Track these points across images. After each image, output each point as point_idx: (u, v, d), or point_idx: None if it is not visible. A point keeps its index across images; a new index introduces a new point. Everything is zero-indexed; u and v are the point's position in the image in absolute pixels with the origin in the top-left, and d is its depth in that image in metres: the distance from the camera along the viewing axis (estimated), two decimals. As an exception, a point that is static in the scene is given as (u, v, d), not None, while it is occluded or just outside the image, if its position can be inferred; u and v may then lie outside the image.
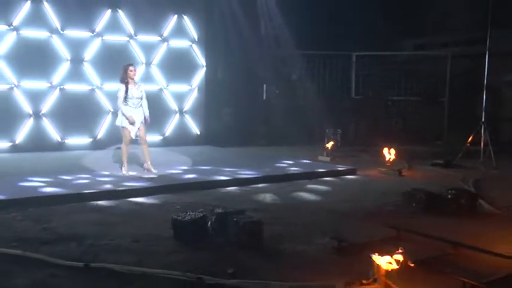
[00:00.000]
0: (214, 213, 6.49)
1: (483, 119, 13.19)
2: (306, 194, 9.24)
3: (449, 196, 8.10)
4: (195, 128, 15.31)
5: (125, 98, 9.82)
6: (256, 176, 10.38)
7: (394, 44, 17.60)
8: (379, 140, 12.91)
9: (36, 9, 12.95)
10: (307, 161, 12.32)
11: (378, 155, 12.18)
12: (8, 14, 12.66)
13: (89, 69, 13.67)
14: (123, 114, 9.85)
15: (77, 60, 13.51)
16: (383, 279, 4.87)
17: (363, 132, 15.84)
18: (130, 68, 10.00)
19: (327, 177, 10.83)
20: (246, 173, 10.54)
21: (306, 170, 11.20)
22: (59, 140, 13.39)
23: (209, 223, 6.39)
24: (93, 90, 13.74)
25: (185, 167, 11.11)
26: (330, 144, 12.83)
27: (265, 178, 10.27)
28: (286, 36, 15.39)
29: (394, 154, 11.83)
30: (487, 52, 13.24)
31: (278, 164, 11.86)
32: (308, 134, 15.19)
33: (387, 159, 11.73)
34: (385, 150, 11.88)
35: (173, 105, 14.95)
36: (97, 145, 13.68)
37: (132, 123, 9.82)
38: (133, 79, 9.95)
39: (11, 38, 12.73)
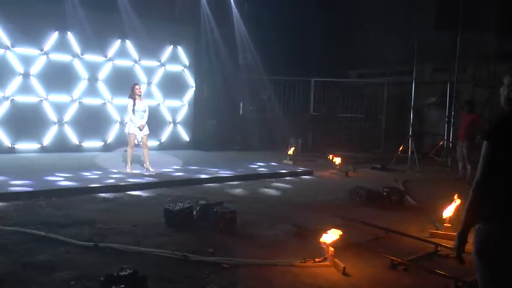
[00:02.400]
0: (198, 204, 6.51)
1: (410, 133, 13.41)
2: (272, 190, 9.26)
3: (384, 193, 8.22)
4: (185, 136, 15.24)
5: (133, 111, 9.80)
6: (232, 174, 10.36)
7: (342, 72, 17.78)
8: (331, 148, 12.99)
9: (62, 38, 12.81)
10: (274, 164, 12.33)
11: (330, 159, 12.23)
12: (40, 41, 12.52)
13: (102, 87, 13.55)
14: (132, 122, 9.80)
15: (92, 79, 13.39)
16: (331, 257, 4.95)
17: (319, 142, 15.92)
18: (136, 86, 9.98)
19: (288, 177, 10.85)
20: (224, 172, 10.53)
21: (272, 171, 11.22)
22: (77, 143, 13.24)
23: (194, 212, 6.40)
24: (105, 103, 13.63)
25: (176, 167, 11.05)
26: (292, 151, 12.87)
27: (239, 177, 10.25)
28: (258, 64, 15.39)
29: (342, 159, 11.93)
30: (413, 81, 13.48)
31: (250, 166, 11.86)
32: (275, 142, 15.22)
33: (337, 163, 11.83)
34: (334, 156, 11.98)
35: (168, 117, 14.88)
36: (107, 148, 13.54)
37: (141, 128, 9.80)
38: (139, 95, 9.91)
39: (42, 61, 12.61)
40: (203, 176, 9.94)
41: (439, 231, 6.24)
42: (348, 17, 17.60)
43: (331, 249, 4.97)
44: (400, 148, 13.25)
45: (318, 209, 7.62)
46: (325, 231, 5.16)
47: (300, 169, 11.56)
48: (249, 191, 9.02)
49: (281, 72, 15.84)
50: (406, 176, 11.43)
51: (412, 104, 13.65)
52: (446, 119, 13.58)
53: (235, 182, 9.82)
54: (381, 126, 16.22)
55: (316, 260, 4.97)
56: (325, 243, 5.00)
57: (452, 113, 13.41)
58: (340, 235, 5.08)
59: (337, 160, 11.84)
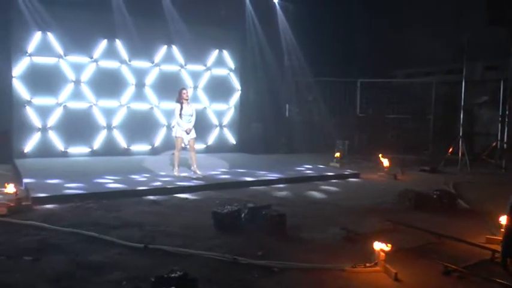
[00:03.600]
0: (246, 207, 6.47)
1: (460, 133, 13.00)
2: (319, 193, 9.16)
3: (434, 196, 7.96)
4: (231, 139, 15.32)
5: (180, 115, 9.89)
6: (279, 177, 10.30)
7: (389, 73, 17.43)
8: (378, 150, 12.75)
9: (110, 45, 13.13)
10: (321, 166, 12.21)
11: (377, 162, 12.01)
12: (90, 49, 12.87)
13: (149, 92, 13.79)
14: (179, 126, 9.90)
15: (140, 85, 13.64)
16: (382, 263, 4.84)
17: (365, 144, 15.66)
18: (184, 91, 10.08)
19: (336, 179, 10.72)
20: (271, 175, 10.49)
21: (319, 173, 11.10)
22: (125, 146, 13.50)
23: (242, 215, 6.37)
24: (152, 108, 13.84)
25: (223, 170, 11.07)
26: (338, 153, 12.70)
27: (286, 179, 10.20)
28: (303, 66, 15.29)
29: (390, 161, 11.70)
30: (463, 80, 13.07)
31: (297, 168, 11.75)
32: (321, 144, 15.07)
33: (384, 165, 11.62)
34: (382, 158, 11.76)
35: (214, 120, 14.98)
36: (154, 151, 13.75)
37: (188, 131, 9.88)
38: (186, 100, 10.01)
39: (91, 68, 12.95)
40: (250, 179, 9.93)
41: (496, 237, 5.95)
42: (394, 15, 17.25)
43: (382, 254, 4.85)
44: (450, 149, 12.87)
45: (366, 213, 7.48)
46: (375, 235, 5.04)
47: (347, 172, 11.41)
48: (296, 193, 8.94)
49: (327, 74, 15.68)
50: (457, 179, 11.06)
51: (462, 103, 13.23)
52: (500, 119, 13.09)
53: (282, 185, 9.78)
54: (429, 127, 15.79)
55: (367, 265, 4.86)
56: (376, 248, 4.89)
57: (507, 112, 12.90)
58: (391, 240, 4.94)
59: (385, 162, 11.61)
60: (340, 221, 6.76)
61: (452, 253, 5.46)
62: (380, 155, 11.95)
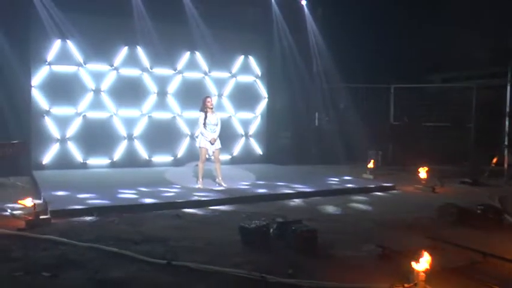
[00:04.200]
0: (275, 222, 6.46)
1: (506, 142, 12.69)
2: (352, 207, 9.08)
3: (478, 211, 7.77)
4: (258, 149, 15.32)
5: (204, 124, 9.95)
6: (309, 190, 10.26)
7: (424, 78, 17.20)
8: (414, 160, 12.55)
9: (131, 52, 13.29)
10: (353, 178, 12.10)
11: (413, 173, 11.85)
12: (110, 57, 13.04)
13: (171, 101, 13.89)
14: (203, 136, 9.94)
15: (162, 93, 13.73)
16: (422, 284, 4.71)
17: (400, 154, 15.42)
18: (208, 99, 10.13)
19: (369, 192, 10.63)
20: (300, 188, 10.45)
21: (353, 186, 11.03)
22: (147, 158, 13.59)
23: (271, 230, 6.34)
24: (174, 117, 13.94)
25: (250, 182, 11.07)
26: (372, 164, 12.58)
27: (316, 192, 10.14)
28: (334, 72, 15.19)
29: (428, 173, 11.50)
30: (508, 84, 12.78)
31: (327, 180, 11.69)
32: (353, 154, 14.92)
33: (421, 177, 11.44)
34: (420, 169, 11.57)
35: (240, 129, 15.02)
36: (177, 162, 13.78)
37: (213, 142, 9.92)
38: (211, 108, 10.06)
39: (112, 76, 13.12)
40: (279, 192, 9.92)
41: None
42: (429, 16, 17.08)
43: (422, 274, 4.72)
44: (494, 160, 12.58)
45: (403, 228, 7.37)
46: (413, 253, 4.92)
47: (382, 184, 11.30)
48: (328, 207, 8.89)
49: (358, 79, 15.64)
50: (503, 192, 10.73)
51: (508, 109, 12.93)
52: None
53: (312, 198, 9.74)
54: (470, 135, 15.50)
55: (406, 285, 4.74)
56: (415, 267, 4.76)
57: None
58: (431, 259, 4.80)
59: (422, 174, 11.42)
60: (375, 237, 6.68)
61: (498, 274, 5.31)
62: (417, 166, 11.77)
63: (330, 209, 8.82)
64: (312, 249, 6.00)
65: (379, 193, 10.64)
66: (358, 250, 6.13)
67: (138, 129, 13.51)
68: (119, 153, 13.30)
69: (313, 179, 11.65)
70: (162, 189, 9.78)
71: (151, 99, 13.65)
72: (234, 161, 14.58)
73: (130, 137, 13.40)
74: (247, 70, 15.04)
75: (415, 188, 11.17)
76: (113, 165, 13.14)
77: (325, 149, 15.19)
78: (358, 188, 10.84)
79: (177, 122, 14.00)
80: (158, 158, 13.77)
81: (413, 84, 16.00)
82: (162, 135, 13.65)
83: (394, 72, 16.52)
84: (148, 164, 13.54)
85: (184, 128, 14.05)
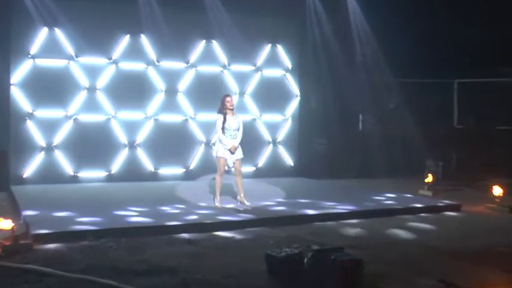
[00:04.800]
0: (310, 249, 6.39)
1: None
2: (406, 231, 9.01)
3: None
4: (288, 159, 15.22)
5: (223, 129, 9.94)
6: (352, 210, 10.23)
7: (495, 71, 16.84)
8: (485, 173, 12.34)
9: (134, 43, 13.36)
10: (406, 195, 12.01)
11: (484, 189, 11.78)
12: (108, 48, 13.10)
13: (182, 100, 13.91)
14: (222, 144, 9.95)
15: (171, 91, 13.77)
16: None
17: (467, 165, 15.16)
18: (227, 98, 10.12)
19: (427, 213, 10.55)
20: (341, 207, 10.41)
21: (406, 205, 10.92)
22: (152, 170, 13.60)
23: (305, 259, 6.25)
24: (186, 120, 13.96)
25: (278, 200, 11.05)
26: (430, 177, 12.41)
27: (361, 213, 10.10)
28: (382, 64, 14.97)
29: (503, 189, 11.27)
30: None
31: (375, 198, 11.61)
32: (406, 166, 14.74)
33: (495, 194, 11.27)
34: (493, 185, 11.36)
35: (266, 135, 14.95)
36: (189, 176, 13.81)
37: (233, 150, 9.91)
38: (231, 109, 10.06)
39: (110, 71, 13.16)
40: (313, 212, 9.89)
41: None
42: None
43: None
44: None
45: (472, 259, 7.26)
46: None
47: (443, 202, 11.22)
48: (374, 232, 8.85)
49: (412, 73, 15.45)
50: None
51: None
52: None
53: (355, 220, 9.71)
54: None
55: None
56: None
57: None
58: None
59: (497, 190, 11.22)
60: (435, 269, 6.61)
61: None
62: (488, 181, 11.59)
63: (377, 233, 8.76)
64: (356, 283, 5.92)
65: (439, 214, 10.55)
66: (413, 285, 6.08)
67: (142, 135, 13.53)
68: (118, 164, 13.30)
69: (356, 196, 11.63)
70: (170, 208, 9.80)
71: (158, 98, 13.67)
72: (258, 174, 14.56)
73: (132, 145, 13.43)
74: (275, 62, 14.99)
75: (487, 207, 11.05)
76: (111, 178, 13.16)
77: (371, 159, 15.01)
78: (412, 207, 10.78)
79: (189, 127, 14.01)
80: (166, 171, 13.79)
81: (482, 79, 15.67)
82: (170, 142, 13.65)
83: (457, 64, 16.22)
84: (153, 177, 13.56)
85: (198, 134, 14.05)
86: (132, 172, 13.34)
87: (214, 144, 10.48)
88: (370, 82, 15.34)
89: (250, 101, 14.72)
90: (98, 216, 8.84)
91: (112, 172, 13.26)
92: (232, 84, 14.42)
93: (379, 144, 14.84)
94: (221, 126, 9.95)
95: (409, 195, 11.99)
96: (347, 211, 10.13)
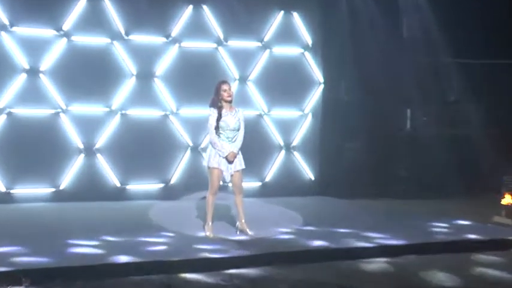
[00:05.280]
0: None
1: None
2: (478, 273, 8.89)
3: None
4: (306, 171, 15.28)
5: (217, 129, 9.83)
6: (399, 242, 10.16)
7: None
8: None
9: (93, 7, 13.33)
10: (476, 223, 11.94)
11: None
12: (56, 16, 13.09)
13: (160, 88, 13.89)
14: (216, 149, 9.86)
15: (145, 76, 13.78)
16: None
17: None
18: (224, 86, 10.01)
19: (508, 248, 10.40)
20: (382, 238, 10.37)
21: (476, 236, 10.82)
22: (118, 185, 13.66)
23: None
24: (166, 116, 13.96)
25: (293, 228, 11.03)
26: (509, 198, 12.27)
27: (412, 246, 10.00)
28: (437, 40, 15.15)
29: None
30: None
31: (431, 226, 11.58)
32: (473, 180, 14.81)
33: None
34: None
35: (277, 137, 14.97)
36: (170, 194, 13.89)
37: (231, 158, 9.82)
38: (228, 101, 9.95)
39: (59, 47, 13.13)
40: (343, 245, 9.81)
41: None
42: None
43: None
44: None
45: None
46: None
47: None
48: (430, 274, 8.67)
49: (478, 53, 15.41)
50: None
51: None
52: None
53: (402, 257, 9.60)
54: None
55: None
56: None
57: None
58: None
59: None
60: None
61: None
62: None
63: (436, 277, 8.60)
64: None
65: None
66: None
67: (104, 137, 13.51)
68: (69, 177, 13.31)
69: (403, 224, 11.72)
70: (143, 239, 9.72)
71: (128, 85, 13.73)
72: (266, 192, 14.66)
73: (89, 150, 13.41)
74: (288, 37, 15.01)
75: None
76: (59, 197, 13.15)
77: (423, 172, 15.15)
78: (485, 240, 10.68)
79: (170, 125, 14.02)
80: (137, 186, 13.87)
81: None
82: (144, 146, 13.75)
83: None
84: (120, 195, 13.63)
85: (183, 135, 14.07)
86: (90, 188, 13.34)
87: (205, 150, 10.38)
88: (422, 65, 15.38)
89: (254, 90, 14.73)
90: (42, 249, 8.71)
91: (61, 188, 13.22)
92: (230, 67, 14.41)
93: (434, 151, 14.87)
94: (215, 125, 9.85)
95: (478, 223, 11.92)
96: (391, 244, 10.06)
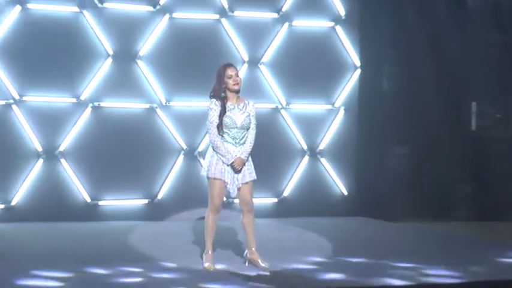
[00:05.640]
0: None
1: None
2: None
3: None
4: (338, 184, 15.20)
5: (220, 127, 9.51)
6: (462, 282, 9.82)
7: None
8: None
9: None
10: None
11: None
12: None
13: (145, 73, 13.83)
14: (218, 154, 9.58)
15: (125, 57, 13.80)
16: None
17: None
18: (229, 71, 9.68)
19: None
20: (442, 274, 10.05)
21: None
22: (88, 200, 13.64)
23: None
24: (152, 110, 13.93)
25: (320, 259, 10.84)
26: None
27: (482, 285, 9.65)
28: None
29: None
30: None
31: (502, 258, 11.30)
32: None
33: None
34: None
35: (298, 139, 14.90)
36: (156, 212, 13.97)
37: (238, 166, 9.54)
38: (235, 92, 9.67)
39: (11, 18, 13.10)
40: (386, 281, 9.58)
41: None
42: None
43: None
44: None
45: None
46: None
47: None
48: None
49: None
50: None
51: None
52: None
53: None
54: None
55: None
56: None
57: None
58: None
59: None
60: None
61: None
62: None
63: None
64: None
65: None
66: None
67: (70, 137, 13.45)
68: (23, 190, 13.29)
69: (465, 255, 11.55)
70: (120, 273, 9.51)
71: (103, 69, 13.73)
72: (284, 210, 14.73)
73: (50, 154, 13.36)
74: (314, 6, 14.96)
75: None
76: (11, 216, 13.19)
77: (492, 186, 14.99)
78: None
79: (158, 122, 14.02)
80: (113, 202, 13.92)
81: None
82: (122, 150, 13.82)
83: None
84: (90, 214, 13.68)
85: (174, 136, 14.02)
86: (50, 205, 13.35)
87: (203, 155, 10.38)
88: (493, 45, 15.24)
89: (269, 76, 14.60)
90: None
91: (12, 204, 13.11)
92: (237, 46, 14.30)
93: (508, 157, 14.82)
94: (217, 121, 9.55)
95: None
96: (451, 282, 9.78)
